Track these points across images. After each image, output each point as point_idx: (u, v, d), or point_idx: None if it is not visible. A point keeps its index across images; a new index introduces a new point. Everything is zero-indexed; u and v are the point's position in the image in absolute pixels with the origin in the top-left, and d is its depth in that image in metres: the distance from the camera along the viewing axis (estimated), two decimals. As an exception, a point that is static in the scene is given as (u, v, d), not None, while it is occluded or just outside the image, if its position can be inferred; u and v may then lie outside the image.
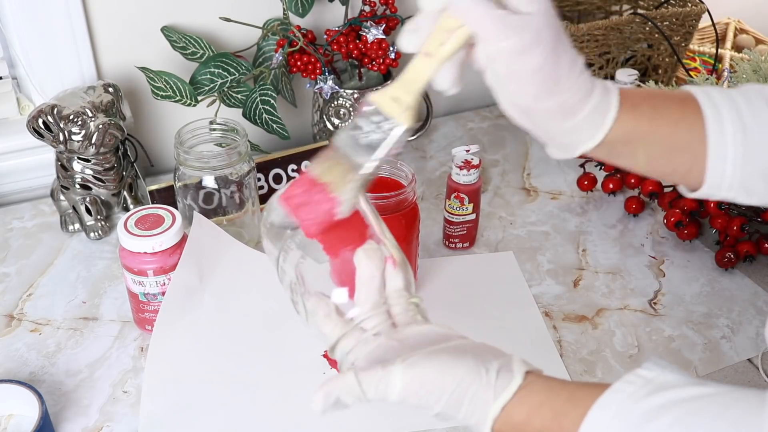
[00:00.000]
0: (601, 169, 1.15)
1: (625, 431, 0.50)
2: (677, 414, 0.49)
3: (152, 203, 1.02)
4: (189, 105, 1.09)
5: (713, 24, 1.34)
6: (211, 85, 1.10)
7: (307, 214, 0.62)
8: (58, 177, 1.06)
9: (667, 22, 1.25)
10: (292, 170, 1.14)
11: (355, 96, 1.16)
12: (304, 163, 1.09)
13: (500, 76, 0.60)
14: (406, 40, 0.60)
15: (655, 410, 0.50)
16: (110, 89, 1.04)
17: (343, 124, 1.18)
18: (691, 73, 1.35)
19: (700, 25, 1.41)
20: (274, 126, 1.12)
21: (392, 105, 0.60)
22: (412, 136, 1.28)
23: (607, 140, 0.62)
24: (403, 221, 0.87)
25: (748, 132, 0.63)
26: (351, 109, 1.17)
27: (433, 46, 0.59)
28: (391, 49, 1.14)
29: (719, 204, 1.02)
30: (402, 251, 0.64)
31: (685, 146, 0.63)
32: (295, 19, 1.17)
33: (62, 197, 1.06)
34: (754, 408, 0.48)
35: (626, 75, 1.22)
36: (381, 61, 1.15)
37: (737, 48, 1.51)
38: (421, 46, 0.59)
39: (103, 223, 1.06)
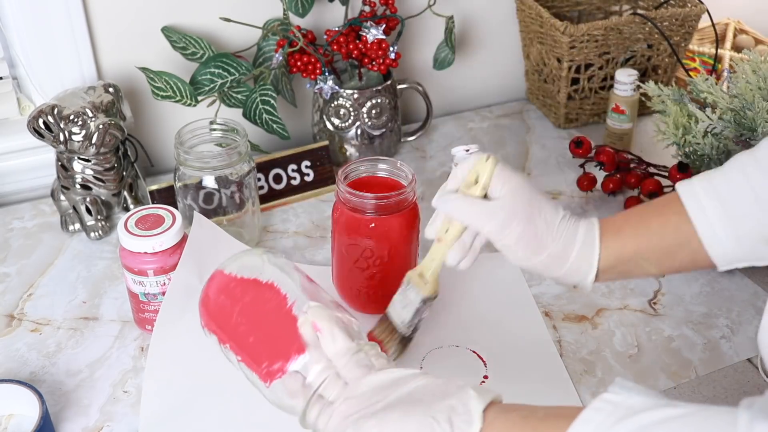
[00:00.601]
0: (601, 169, 1.15)
1: None
2: None
3: (152, 203, 1.02)
4: (189, 105, 1.09)
5: (713, 24, 1.34)
6: (211, 85, 1.10)
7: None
8: (58, 177, 1.06)
9: (667, 23, 1.25)
10: (292, 170, 1.14)
11: (355, 96, 1.16)
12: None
13: (497, 248, 0.75)
14: (427, 230, 0.79)
15: None
16: (110, 89, 1.04)
17: (343, 124, 1.19)
18: (691, 73, 1.35)
19: (700, 25, 1.41)
20: (274, 126, 1.12)
21: (418, 279, 0.81)
22: (412, 136, 1.28)
23: (606, 268, 0.73)
24: (403, 221, 0.87)
25: (729, 208, 0.69)
26: (351, 109, 1.17)
27: (441, 233, 0.78)
28: (391, 49, 1.15)
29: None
30: (325, 310, 0.68)
31: (681, 245, 0.71)
32: (295, 20, 1.17)
33: (62, 197, 1.06)
34: (726, 425, 0.47)
35: (626, 75, 1.22)
36: (381, 61, 1.15)
37: (737, 48, 1.51)
38: (436, 233, 0.78)
39: (103, 223, 1.07)
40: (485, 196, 0.75)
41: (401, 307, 0.81)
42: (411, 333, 0.83)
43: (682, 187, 0.73)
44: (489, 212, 0.73)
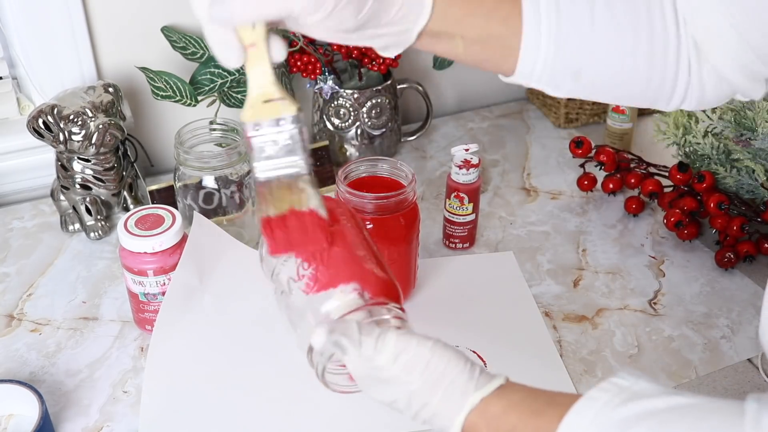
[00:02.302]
0: (601, 169, 1.15)
1: None
2: (654, 423, 0.48)
3: (152, 203, 1.02)
4: (189, 105, 1.09)
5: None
6: (211, 85, 1.10)
7: (305, 244, 0.63)
8: (58, 177, 1.06)
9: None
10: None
11: (355, 96, 1.16)
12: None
13: (316, 26, 0.59)
14: (224, 59, 0.59)
15: (631, 419, 0.49)
16: (110, 89, 1.04)
17: (343, 124, 1.19)
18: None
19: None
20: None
21: (269, 107, 0.60)
22: (412, 136, 1.28)
23: (428, 28, 0.62)
24: (403, 221, 0.87)
25: (563, 31, 0.63)
26: (351, 109, 1.17)
27: (248, 37, 0.58)
28: (391, 49, 1.14)
29: (719, 204, 1.02)
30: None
31: (499, 37, 0.64)
32: (295, 19, 1.17)
33: (62, 197, 1.06)
34: (733, 418, 0.47)
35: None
36: (381, 61, 1.15)
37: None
38: (240, 55, 0.59)
39: (103, 223, 1.06)
40: None
41: (279, 153, 0.62)
42: (306, 169, 0.63)
43: None
44: None
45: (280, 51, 0.60)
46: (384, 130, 1.20)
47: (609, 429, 0.49)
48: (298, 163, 0.62)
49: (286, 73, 1.16)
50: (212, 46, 0.59)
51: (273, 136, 0.61)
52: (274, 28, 0.61)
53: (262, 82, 0.60)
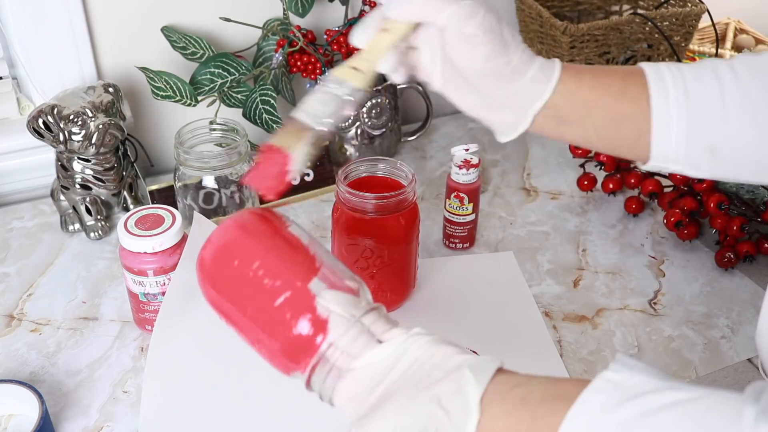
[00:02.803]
0: (601, 169, 1.15)
1: None
2: (653, 426, 0.47)
3: (152, 203, 1.02)
4: (189, 105, 1.09)
5: (713, 24, 1.34)
6: (211, 85, 1.10)
7: (262, 178, 0.65)
8: (58, 177, 1.06)
9: (667, 22, 1.25)
10: (292, 170, 1.14)
11: (355, 96, 1.16)
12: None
13: (452, 45, 0.65)
14: (357, 35, 0.66)
15: (629, 422, 0.47)
16: (110, 89, 1.04)
17: (343, 124, 1.18)
18: (691, 73, 1.35)
19: (700, 25, 1.41)
20: (274, 126, 1.12)
21: (350, 72, 0.66)
22: (412, 136, 1.28)
23: (553, 105, 0.65)
24: (403, 221, 0.87)
25: (693, 107, 0.63)
26: (351, 109, 1.17)
27: (388, 25, 0.65)
28: (391, 49, 1.14)
29: (719, 204, 1.02)
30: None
31: (630, 118, 0.65)
32: (295, 19, 1.17)
33: (62, 197, 1.06)
34: (731, 418, 0.46)
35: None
36: (381, 61, 1.15)
37: (737, 48, 1.51)
38: (370, 39, 0.66)
39: (103, 223, 1.07)
40: None
41: (320, 104, 0.67)
42: (326, 129, 0.67)
43: (650, 67, 0.67)
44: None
45: (389, 65, 0.66)
46: (384, 130, 1.20)
47: None
48: (324, 122, 0.66)
49: (286, 73, 1.16)
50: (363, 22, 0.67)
51: (333, 90, 0.66)
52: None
53: (365, 56, 0.66)
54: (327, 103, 0.66)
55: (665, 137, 0.65)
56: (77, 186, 1.05)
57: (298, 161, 0.65)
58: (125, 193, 1.09)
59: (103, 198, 1.07)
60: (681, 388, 0.48)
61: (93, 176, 1.04)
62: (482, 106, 0.68)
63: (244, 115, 1.11)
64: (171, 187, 1.04)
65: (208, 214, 0.99)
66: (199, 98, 1.09)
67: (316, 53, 1.13)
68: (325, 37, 1.16)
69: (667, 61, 0.66)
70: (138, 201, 1.10)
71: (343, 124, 1.18)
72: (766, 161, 0.65)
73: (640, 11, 1.29)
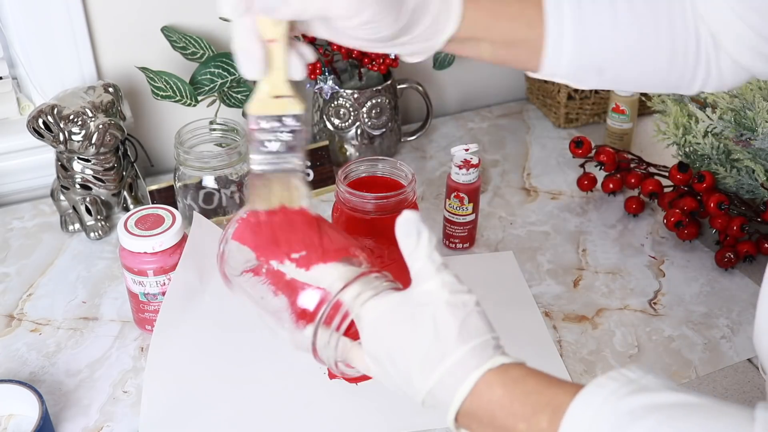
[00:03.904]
0: (601, 169, 1.15)
1: (609, 426, 0.49)
2: (662, 417, 0.48)
3: (152, 203, 1.02)
4: (189, 105, 1.09)
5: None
6: (211, 85, 1.10)
7: (296, 243, 0.64)
8: (58, 177, 1.06)
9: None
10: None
11: (355, 96, 1.16)
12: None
13: (350, 29, 0.61)
14: (246, 69, 0.60)
15: (640, 410, 0.48)
16: (110, 89, 1.04)
17: (343, 124, 1.19)
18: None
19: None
20: (274, 126, 1.12)
21: (277, 102, 0.62)
22: (412, 136, 1.28)
23: (456, 35, 0.64)
24: (403, 221, 0.87)
25: (586, 32, 0.65)
26: (351, 109, 1.17)
27: (269, 33, 0.59)
28: (391, 49, 1.14)
29: (719, 204, 1.02)
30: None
31: (525, 40, 0.67)
32: (295, 19, 1.17)
33: (62, 197, 1.06)
34: (743, 422, 0.46)
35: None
36: (381, 61, 1.15)
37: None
38: (263, 65, 0.60)
39: (103, 223, 1.07)
40: None
41: (279, 148, 0.63)
42: (299, 167, 0.64)
43: None
44: None
45: (309, 53, 0.62)
46: (384, 130, 1.20)
47: (617, 416, 0.49)
48: (294, 162, 0.63)
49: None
50: (236, 40, 0.59)
51: (275, 131, 0.62)
52: (299, 35, 0.61)
53: (274, 78, 0.61)
54: (280, 141, 0.63)
55: (556, 59, 0.66)
56: (77, 186, 1.05)
57: (308, 206, 0.64)
58: (125, 193, 1.09)
59: (103, 198, 1.07)
60: (693, 393, 0.50)
61: (93, 176, 1.04)
62: (388, 47, 0.66)
63: (244, 115, 1.11)
64: (171, 187, 1.04)
65: (208, 214, 0.99)
66: (199, 98, 1.09)
67: (316, 53, 1.13)
68: (325, 37, 1.16)
69: None
70: (138, 201, 1.10)
71: (343, 125, 1.18)
72: (647, 77, 0.69)
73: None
